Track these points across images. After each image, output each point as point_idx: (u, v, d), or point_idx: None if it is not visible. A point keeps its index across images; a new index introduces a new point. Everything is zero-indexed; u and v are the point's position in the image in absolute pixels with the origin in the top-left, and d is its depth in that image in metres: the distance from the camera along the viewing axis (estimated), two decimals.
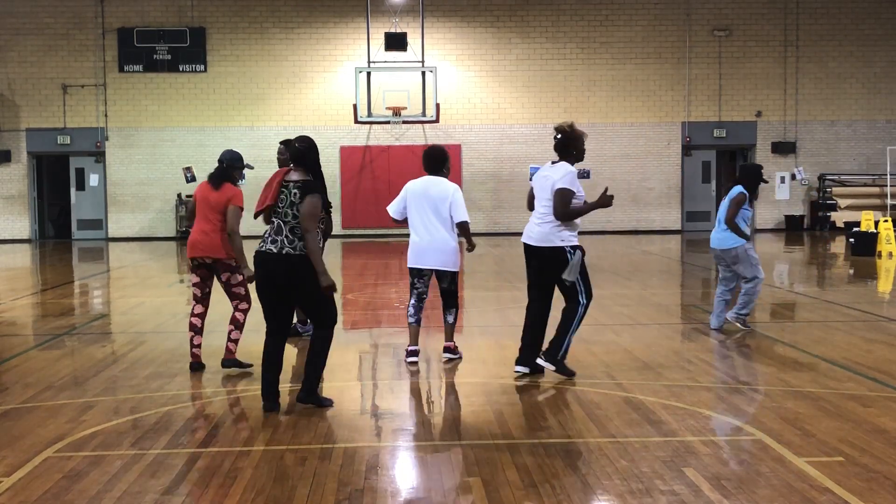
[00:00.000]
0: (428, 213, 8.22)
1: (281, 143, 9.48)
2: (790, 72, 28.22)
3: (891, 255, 18.90)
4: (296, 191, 6.55)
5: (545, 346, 7.76)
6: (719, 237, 9.80)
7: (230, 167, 8.11)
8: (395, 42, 26.54)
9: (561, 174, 7.56)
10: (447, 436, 6.05)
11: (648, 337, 9.77)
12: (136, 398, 7.14)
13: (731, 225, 9.61)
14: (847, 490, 4.90)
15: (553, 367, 7.66)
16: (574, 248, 7.56)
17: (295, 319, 8.53)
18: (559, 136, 7.73)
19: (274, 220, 6.64)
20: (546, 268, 7.65)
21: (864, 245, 19.15)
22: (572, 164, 7.70)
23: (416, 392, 7.43)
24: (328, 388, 7.43)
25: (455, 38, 27.72)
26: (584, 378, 7.70)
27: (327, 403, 6.74)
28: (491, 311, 11.97)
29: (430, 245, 8.23)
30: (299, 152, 6.69)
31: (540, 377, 7.66)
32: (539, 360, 7.70)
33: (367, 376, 7.83)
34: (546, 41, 27.90)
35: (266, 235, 6.67)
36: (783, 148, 28.32)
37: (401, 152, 27.36)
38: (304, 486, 5.05)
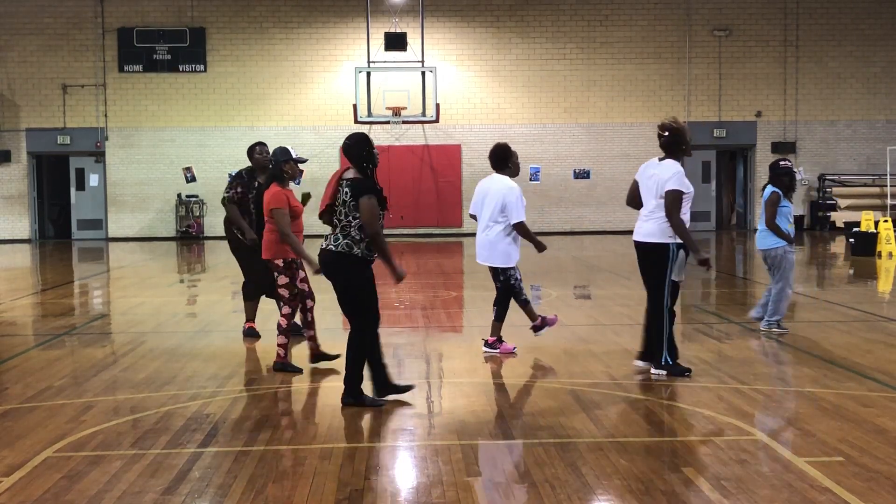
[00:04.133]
0: (482, 209, 8.68)
1: (254, 144, 9.62)
2: (790, 72, 28.22)
3: (891, 255, 18.89)
4: (347, 189, 6.69)
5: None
6: (760, 237, 9.84)
7: (276, 165, 8.03)
8: (395, 42, 26.53)
9: (670, 174, 7.50)
10: (447, 436, 6.05)
11: None
12: (136, 398, 7.14)
13: (773, 226, 9.64)
14: (847, 490, 4.89)
15: (664, 373, 7.56)
16: (679, 245, 7.49)
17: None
18: (666, 133, 7.60)
19: (334, 217, 6.74)
20: (647, 263, 7.60)
21: (864, 245, 19.14)
22: (680, 161, 7.59)
23: (416, 392, 7.42)
24: (330, 388, 7.44)
25: (455, 38, 27.71)
26: (584, 378, 7.70)
27: (368, 402, 6.78)
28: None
29: (479, 241, 8.76)
30: (344, 148, 6.85)
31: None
32: (652, 372, 7.64)
33: (368, 376, 7.81)
34: (546, 41, 27.89)
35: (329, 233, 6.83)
36: (783, 148, 28.30)
37: (401, 152, 27.37)
38: (304, 486, 5.05)
